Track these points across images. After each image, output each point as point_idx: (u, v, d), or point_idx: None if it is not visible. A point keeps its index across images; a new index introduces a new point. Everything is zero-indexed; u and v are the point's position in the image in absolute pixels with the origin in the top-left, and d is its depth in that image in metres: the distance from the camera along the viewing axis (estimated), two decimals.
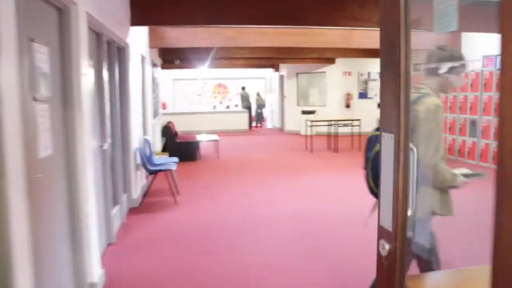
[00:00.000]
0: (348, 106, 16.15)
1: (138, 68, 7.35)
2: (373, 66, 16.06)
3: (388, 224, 1.95)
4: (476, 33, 10.39)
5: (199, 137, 11.08)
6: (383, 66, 1.81)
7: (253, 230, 5.35)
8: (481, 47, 10.39)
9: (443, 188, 2.69)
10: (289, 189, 7.54)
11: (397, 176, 1.83)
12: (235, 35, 9.19)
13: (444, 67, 2.81)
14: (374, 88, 16.31)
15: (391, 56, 1.72)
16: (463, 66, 2.81)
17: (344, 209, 6.21)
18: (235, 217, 5.90)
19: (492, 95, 9.24)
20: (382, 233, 2.00)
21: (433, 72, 2.83)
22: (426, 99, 2.71)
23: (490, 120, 9.28)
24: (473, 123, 9.75)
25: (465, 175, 2.70)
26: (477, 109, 9.63)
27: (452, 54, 2.80)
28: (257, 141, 15.25)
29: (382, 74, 1.83)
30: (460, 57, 2.79)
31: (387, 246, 1.95)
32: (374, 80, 16.27)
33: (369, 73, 16.26)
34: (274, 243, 4.90)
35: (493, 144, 9.22)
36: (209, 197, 6.98)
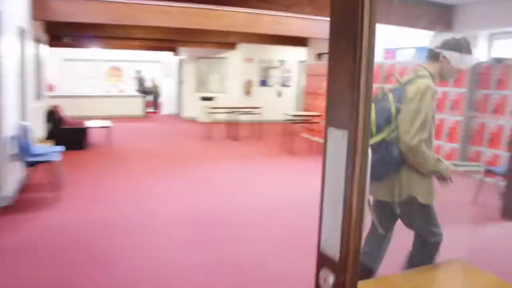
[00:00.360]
0: (248, 93, 15.87)
1: (15, 42, 6.31)
2: (275, 53, 15.93)
3: (334, 251, 1.48)
4: (378, 27, 10.48)
5: (89, 123, 10.07)
6: (334, 35, 1.29)
7: (147, 232, 4.73)
8: (382, 40, 10.50)
9: (425, 173, 2.65)
10: (188, 182, 6.98)
11: (349, 187, 1.36)
12: (132, 11, 8.37)
13: (436, 41, 2.71)
14: (275, 76, 16.19)
15: (348, 21, 1.22)
16: (464, 48, 2.68)
17: (248, 205, 5.80)
18: (127, 216, 5.22)
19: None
20: (324, 261, 1.53)
21: (434, 57, 2.73)
22: (420, 80, 2.64)
23: None
24: None
25: (456, 165, 2.72)
26: None
27: (454, 37, 2.72)
28: (153, 128, 14.43)
29: (332, 47, 1.31)
30: (462, 41, 2.70)
31: (331, 279, 1.48)
32: (275, 67, 16.14)
33: (270, 61, 16.08)
34: (170, 246, 4.34)
35: None
36: (98, 192, 6.20)
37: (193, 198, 6.06)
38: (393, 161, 2.57)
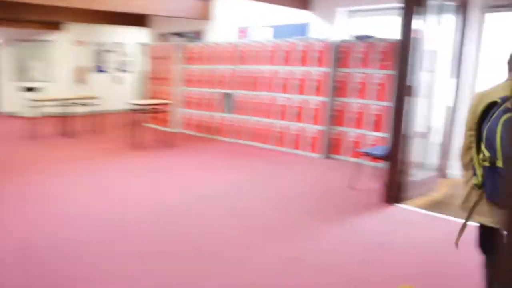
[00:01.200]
0: (81, 81, 13.93)
1: None
2: (111, 35, 14.23)
3: None
4: (230, 5, 9.66)
5: None
6: None
7: None
8: (236, 18, 9.70)
9: None
10: (12, 203, 5.24)
11: None
12: None
13: None
14: (112, 60, 14.48)
15: None
16: None
17: (97, 223, 4.46)
18: None
19: (250, 68, 8.55)
20: None
21: None
22: None
23: (247, 95, 8.60)
24: (229, 96, 8.97)
25: None
26: (234, 83, 8.88)
27: None
28: None
29: None
30: None
31: None
32: (112, 51, 14.43)
33: (106, 44, 14.30)
34: None
35: (251, 120, 8.59)
36: None
37: (22, 227, 4.45)
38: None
